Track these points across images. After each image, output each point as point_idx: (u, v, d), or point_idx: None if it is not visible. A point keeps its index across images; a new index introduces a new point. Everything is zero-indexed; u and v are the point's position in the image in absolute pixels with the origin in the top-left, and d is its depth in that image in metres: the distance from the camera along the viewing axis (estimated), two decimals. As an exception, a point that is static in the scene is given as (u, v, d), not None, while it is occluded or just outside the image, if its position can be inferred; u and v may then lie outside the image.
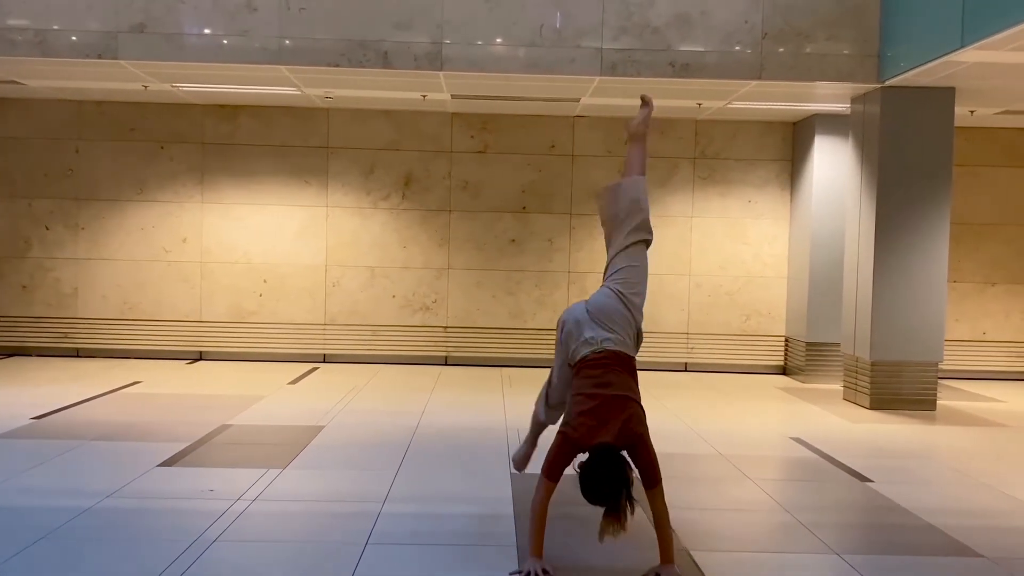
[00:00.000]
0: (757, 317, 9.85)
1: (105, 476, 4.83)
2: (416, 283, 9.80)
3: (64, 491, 4.56)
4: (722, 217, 9.82)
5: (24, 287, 9.69)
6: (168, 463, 5.15)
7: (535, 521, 3.52)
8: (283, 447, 5.63)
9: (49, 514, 4.14)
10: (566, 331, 3.75)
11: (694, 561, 3.76)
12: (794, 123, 9.73)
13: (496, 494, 4.75)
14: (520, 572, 3.50)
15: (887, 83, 7.42)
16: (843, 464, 5.64)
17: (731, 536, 4.21)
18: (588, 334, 3.67)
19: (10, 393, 7.43)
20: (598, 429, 3.44)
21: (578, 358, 3.66)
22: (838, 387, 8.63)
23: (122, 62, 7.37)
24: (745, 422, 7.14)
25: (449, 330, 9.82)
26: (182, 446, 5.55)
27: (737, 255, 9.83)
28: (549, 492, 3.52)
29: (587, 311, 3.74)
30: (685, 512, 4.47)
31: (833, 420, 7.23)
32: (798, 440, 6.37)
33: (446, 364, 9.78)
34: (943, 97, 7.54)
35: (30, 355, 9.61)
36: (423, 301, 9.80)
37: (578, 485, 3.41)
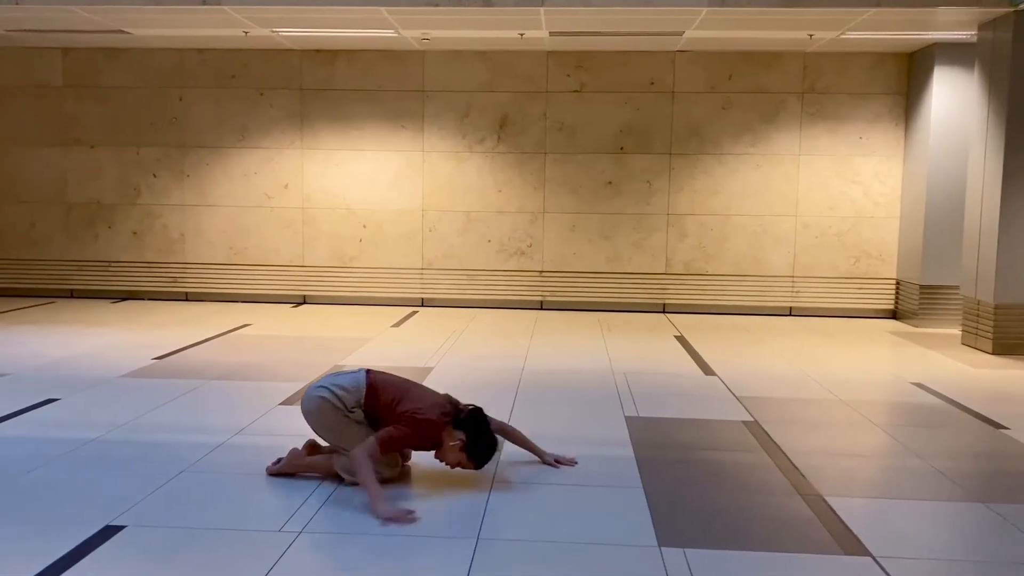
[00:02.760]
0: (867, 259, 9.46)
1: (230, 414, 4.98)
2: (511, 227, 9.73)
3: (194, 428, 4.70)
4: (831, 154, 9.40)
5: (134, 233, 10.02)
6: (288, 402, 5.27)
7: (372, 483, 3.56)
8: (396, 388, 5.68)
9: (184, 449, 4.28)
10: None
11: (831, 507, 3.64)
12: (910, 54, 9.18)
13: (613, 435, 4.71)
14: (390, 520, 3.43)
15: (1022, 6, 6.89)
16: (972, 410, 5.40)
17: (865, 481, 4.07)
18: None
19: (130, 334, 7.71)
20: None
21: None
22: (954, 331, 8.26)
23: (224, 7, 7.42)
24: (860, 367, 6.89)
25: (544, 274, 9.76)
26: (299, 386, 5.66)
27: (846, 194, 9.42)
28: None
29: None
30: (812, 457, 4.34)
31: (954, 365, 6.92)
32: (919, 385, 6.12)
33: (542, 308, 9.74)
34: (1084, 20, 6.97)
35: (142, 299, 9.98)
36: (518, 245, 9.75)
37: None
